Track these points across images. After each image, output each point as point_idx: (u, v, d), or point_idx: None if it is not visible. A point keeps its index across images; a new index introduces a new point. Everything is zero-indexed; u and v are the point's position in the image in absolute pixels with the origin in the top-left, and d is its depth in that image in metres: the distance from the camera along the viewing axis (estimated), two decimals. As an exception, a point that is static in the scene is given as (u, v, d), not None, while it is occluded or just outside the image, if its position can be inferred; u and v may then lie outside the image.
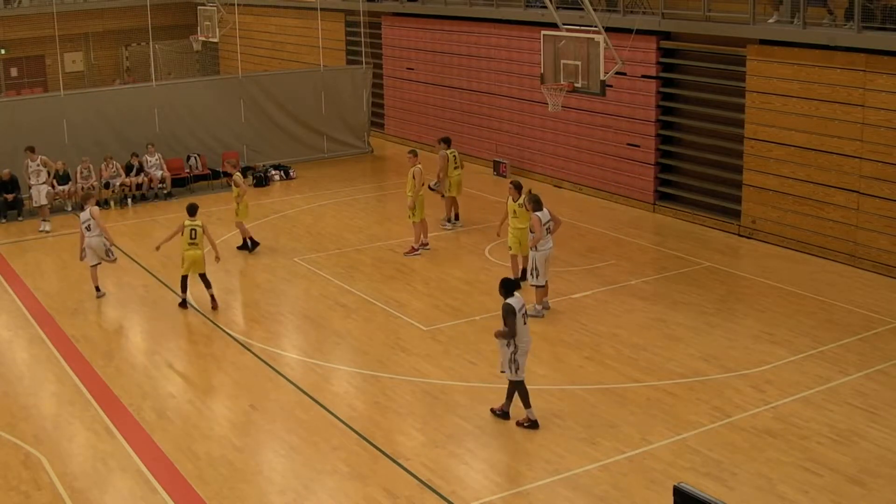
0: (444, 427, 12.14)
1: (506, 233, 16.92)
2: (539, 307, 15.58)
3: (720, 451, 11.35)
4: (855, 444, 11.48)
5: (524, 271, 16.47)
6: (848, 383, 13.04)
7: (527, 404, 12.04)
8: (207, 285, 16.44)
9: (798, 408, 12.39)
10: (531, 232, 15.61)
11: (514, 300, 11.87)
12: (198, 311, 16.45)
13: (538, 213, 15.47)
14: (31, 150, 21.94)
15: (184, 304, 16.53)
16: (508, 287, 12.03)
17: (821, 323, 15.14)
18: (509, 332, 11.76)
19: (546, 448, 11.59)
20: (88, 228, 17.00)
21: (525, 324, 11.92)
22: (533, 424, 12.01)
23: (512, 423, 12.14)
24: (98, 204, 23.05)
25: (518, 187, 16.71)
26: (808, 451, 11.33)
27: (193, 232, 16.21)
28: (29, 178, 21.84)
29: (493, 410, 12.36)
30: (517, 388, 12.02)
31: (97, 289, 17.15)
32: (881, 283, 16.82)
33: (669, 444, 11.55)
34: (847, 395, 12.71)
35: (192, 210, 16.52)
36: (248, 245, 19.53)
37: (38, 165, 21.85)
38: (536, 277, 15.53)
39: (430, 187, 20.47)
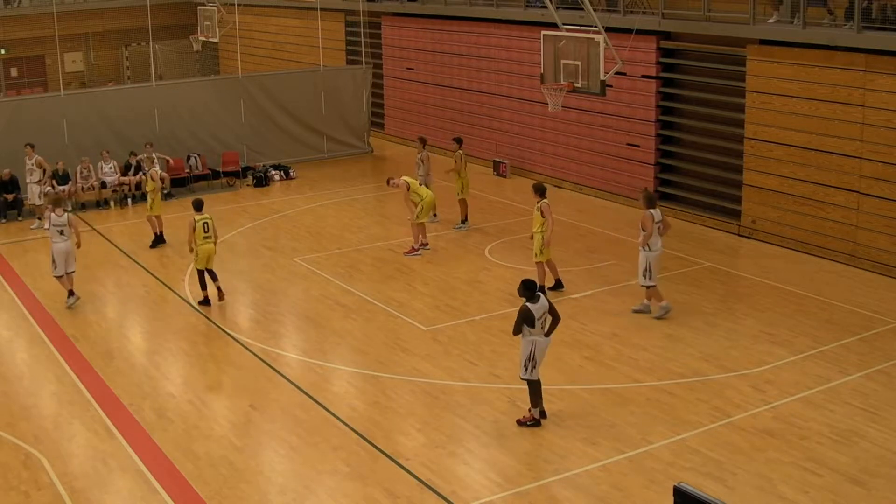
0: (444, 427, 12.14)
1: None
2: (665, 303, 15.44)
3: (720, 451, 11.35)
4: (855, 444, 11.47)
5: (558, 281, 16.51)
6: (848, 383, 13.04)
7: (534, 403, 12.07)
8: (214, 278, 16.58)
9: (798, 408, 12.39)
10: (642, 230, 15.27)
11: (535, 306, 11.71)
12: (198, 310, 16.45)
13: (651, 211, 15.27)
14: (31, 146, 21.93)
15: (206, 301, 16.51)
16: (531, 288, 11.86)
17: (821, 323, 15.13)
18: (514, 331, 11.78)
19: (546, 448, 11.59)
20: (62, 233, 16.44)
21: (544, 328, 11.87)
22: (535, 423, 12.02)
23: (512, 422, 12.14)
24: (98, 204, 23.28)
25: (537, 190, 16.29)
26: (808, 451, 11.32)
27: (206, 225, 16.44)
28: (27, 175, 21.89)
29: (521, 421, 12.16)
30: (532, 385, 11.98)
31: (70, 293, 16.63)
32: (881, 283, 16.82)
33: (669, 444, 11.55)
34: (847, 395, 12.70)
35: (198, 205, 16.67)
36: (162, 239, 20.14)
37: (32, 165, 21.84)
38: (649, 278, 15.31)
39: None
